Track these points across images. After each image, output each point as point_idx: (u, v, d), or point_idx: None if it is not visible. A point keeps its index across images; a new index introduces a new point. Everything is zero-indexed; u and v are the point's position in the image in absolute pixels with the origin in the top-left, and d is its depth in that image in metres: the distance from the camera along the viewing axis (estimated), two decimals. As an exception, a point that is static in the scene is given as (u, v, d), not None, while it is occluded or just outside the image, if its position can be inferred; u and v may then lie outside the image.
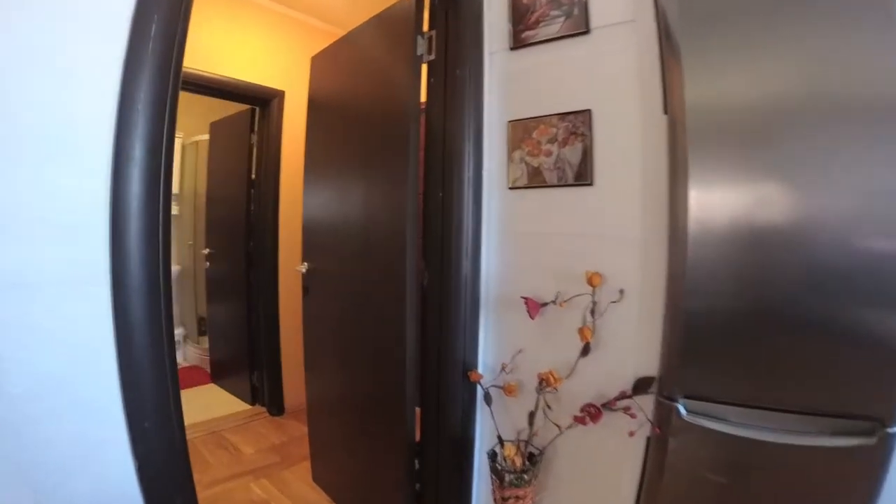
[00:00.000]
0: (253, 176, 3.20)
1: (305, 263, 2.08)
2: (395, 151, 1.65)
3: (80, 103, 1.06)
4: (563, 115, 1.49)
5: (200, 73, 2.67)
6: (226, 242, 3.43)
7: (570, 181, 1.48)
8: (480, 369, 1.69)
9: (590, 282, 1.41)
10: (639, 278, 1.36)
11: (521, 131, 1.58)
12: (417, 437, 1.74)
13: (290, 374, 3.16)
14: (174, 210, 4.30)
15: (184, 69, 1.23)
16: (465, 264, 1.64)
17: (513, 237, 1.64)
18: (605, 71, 1.43)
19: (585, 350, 1.44)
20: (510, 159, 1.60)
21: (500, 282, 1.67)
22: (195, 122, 4.11)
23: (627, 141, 1.38)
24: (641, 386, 1.33)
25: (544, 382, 1.47)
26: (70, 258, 1.06)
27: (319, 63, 2.17)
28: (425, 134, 1.72)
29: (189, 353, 4.21)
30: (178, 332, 4.16)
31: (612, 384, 1.40)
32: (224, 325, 3.53)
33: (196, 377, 3.81)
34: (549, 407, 1.53)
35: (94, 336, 1.10)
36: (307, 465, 2.39)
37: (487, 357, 1.71)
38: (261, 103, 3.11)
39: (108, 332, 1.11)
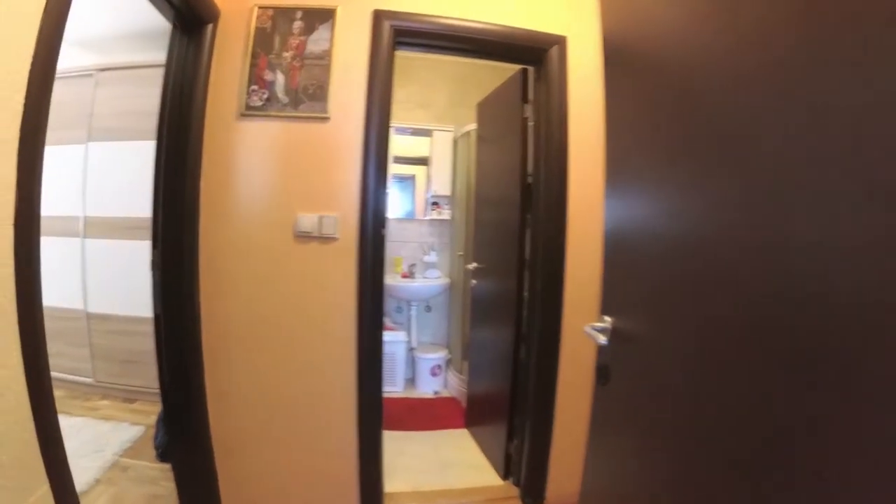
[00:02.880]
0: (529, 166, 2.32)
1: (607, 320, 1.05)
2: None
3: None
4: None
5: (443, 21, 1.96)
6: (495, 256, 2.70)
7: None
8: None
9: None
10: None
11: None
12: None
13: (561, 448, 2.19)
14: (444, 215, 3.87)
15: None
16: None
17: None
18: None
19: None
20: None
21: None
22: (466, 112, 3.57)
23: None
24: None
25: None
26: None
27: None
28: None
29: (450, 381, 3.71)
30: (440, 355, 3.71)
31: None
32: (485, 359, 2.80)
33: (449, 414, 3.24)
34: None
35: None
36: None
37: None
38: (533, 59, 2.19)
39: None
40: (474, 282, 2.90)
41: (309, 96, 1.88)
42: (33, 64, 0.99)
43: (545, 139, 2.14)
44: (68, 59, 3.27)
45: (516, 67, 2.39)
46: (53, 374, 3.49)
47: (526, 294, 2.28)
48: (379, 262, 1.93)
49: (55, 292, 3.23)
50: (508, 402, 2.38)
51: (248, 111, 1.87)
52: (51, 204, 3.38)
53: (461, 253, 3.68)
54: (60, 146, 3.19)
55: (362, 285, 1.90)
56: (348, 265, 1.90)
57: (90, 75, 3.15)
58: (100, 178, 3.14)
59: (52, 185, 3.11)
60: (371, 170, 1.90)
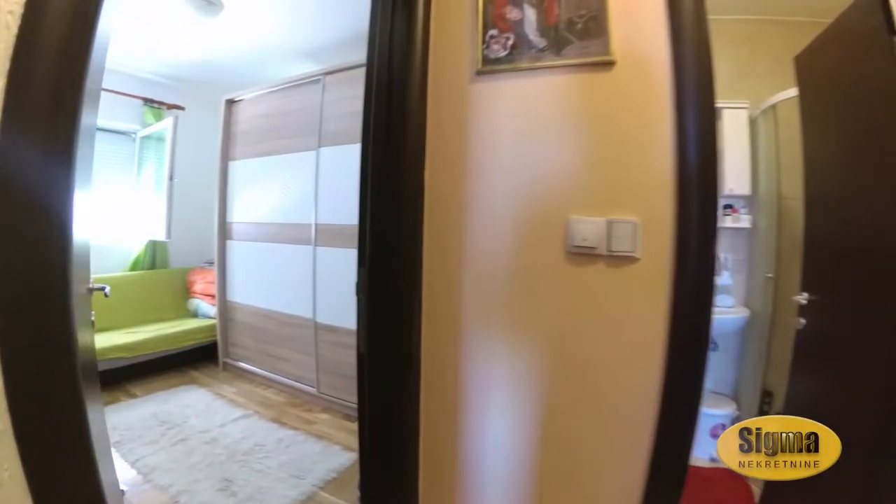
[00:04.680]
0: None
1: None
2: None
3: None
4: None
5: None
6: (845, 286, 1.64)
7: None
8: None
9: None
10: None
11: None
12: None
13: None
14: (741, 222, 2.77)
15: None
16: None
17: None
18: None
19: None
20: None
21: None
22: (759, 84, 2.50)
23: None
24: None
25: None
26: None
27: None
28: None
29: (732, 446, 2.64)
30: (727, 412, 2.66)
31: None
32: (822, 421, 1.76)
33: (728, 491, 2.23)
34: None
35: None
36: None
37: None
38: None
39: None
40: (802, 321, 1.85)
41: (577, 33, 1.20)
42: None
43: None
44: (298, 69, 3.31)
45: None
46: (278, 377, 3.48)
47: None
48: (706, 301, 1.13)
49: (290, 299, 3.28)
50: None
51: (487, 67, 1.28)
52: (289, 212, 3.33)
53: (770, 275, 2.56)
54: (296, 153, 3.21)
55: (676, 337, 1.13)
56: (654, 302, 1.15)
57: (318, 80, 3.09)
58: (327, 183, 3.04)
59: (290, 193, 3.17)
60: (691, 143, 1.12)
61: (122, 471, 2.22)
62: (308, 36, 3.34)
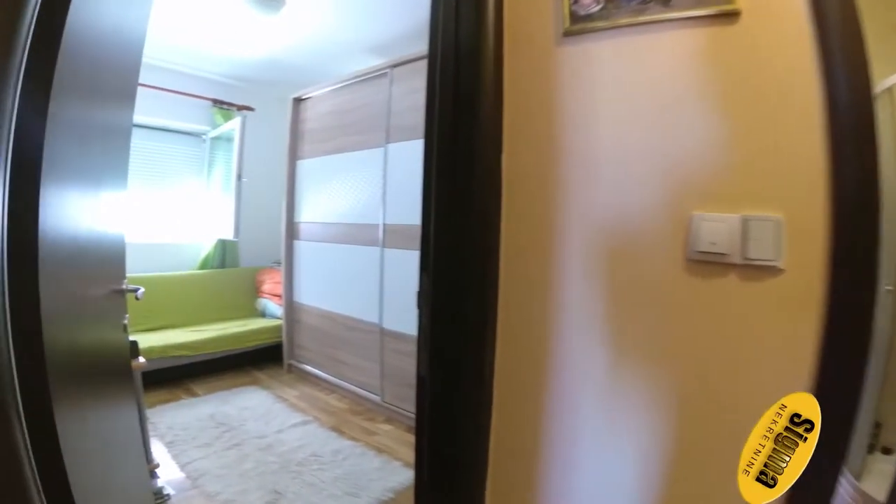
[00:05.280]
0: None
1: None
2: None
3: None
4: None
5: None
6: None
7: None
8: None
9: None
10: None
11: None
12: None
13: None
14: None
15: None
16: None
17: None
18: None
19: None
20: None
21: None
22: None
23: None
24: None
25: None
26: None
27: None
28: None
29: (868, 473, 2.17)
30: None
31: None
32: None
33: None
34: None
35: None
36: None
37: None
38: None
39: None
40: None
41: (692, -23, 0.93)
42: None
43: None
44: (365, 63, 3.19)
45: None
46: (342, 383, 3.30)
47: None
48: (863, 339, 0.80)
49: (356, 302, 3.16)
50: None
51: (577, 25, 1.02)
52: (356, 211, 3.11)
53: (890, 287, 2.09)
54: (363, 150, 3.09)
55: (823, 383, 0.82)
56: (797, 331, 0.85)
57: (385, 74, 2.95)
58: (396, 181, 2.89)
59: (357, 192, 3.05)
60: (842, 113, 0.81)
61: (171, 473, 2.16)
62: (372, 30, 3.23)
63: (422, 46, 2.70)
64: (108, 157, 1.03)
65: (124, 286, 1.09)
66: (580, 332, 1.03)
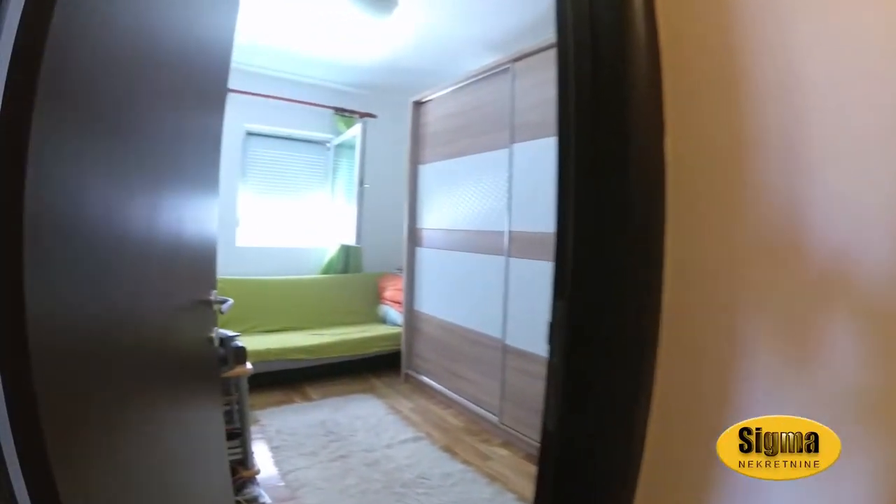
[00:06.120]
0: None
1: None
2: None
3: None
4: None
5: None
6: None
7: None
8: None
9: None
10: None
11: None
12: None
13: None
14: None
15: None
16: None
17: None
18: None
19: None
20: None
21: None
22: None
23: None
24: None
25: None
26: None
27: None
28: None
29: None
30: None
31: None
32: None
33: None
34: None
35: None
36: None
37: None
38: None
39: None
40: None
41: None
42: None
43: None
44: (484, 61, 3.00)
45: None
46: (459, 398, 3.08)
47: None
48: None
49: (478, 314, 2.97)
50: None
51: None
52: (479, 217, 2.85)
53: None
54: (486, 153, 2.91)
55: None
56: None
57: (506, 69, 2.73)
58: (522, 184, 2.65)
59: (480, 196, 2.77)
60: None
61: (272, 480, 2.14)
62: (488, 25, 3.05)
63: (544, 37, 2.45)
64: (199, 161, 0.94)
65: (213, 297, 1.00)
66: (788, 387, 0.68)
